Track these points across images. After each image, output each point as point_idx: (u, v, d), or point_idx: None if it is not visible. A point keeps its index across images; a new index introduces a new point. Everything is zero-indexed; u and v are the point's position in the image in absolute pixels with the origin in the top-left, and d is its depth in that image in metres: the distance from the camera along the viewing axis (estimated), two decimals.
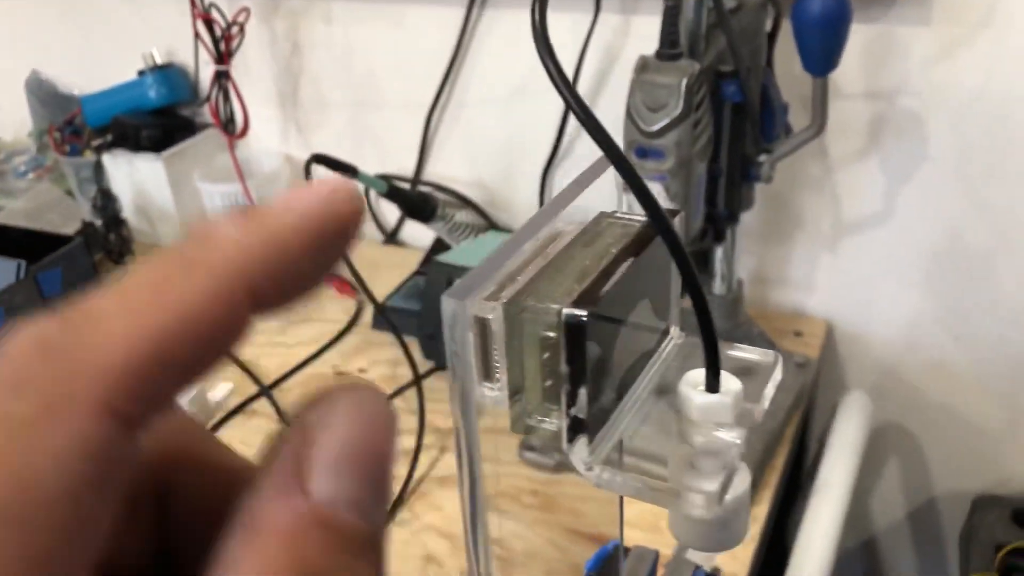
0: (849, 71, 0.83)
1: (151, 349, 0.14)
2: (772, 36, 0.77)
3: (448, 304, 0.26)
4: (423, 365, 0.88)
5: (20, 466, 0.13)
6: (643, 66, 0.70)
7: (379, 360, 0.93)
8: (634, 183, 0.26)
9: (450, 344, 0.26)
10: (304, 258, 0.16)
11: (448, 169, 1.06)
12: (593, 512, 0.82)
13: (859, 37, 0.81)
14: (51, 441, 0.13)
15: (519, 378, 0.28)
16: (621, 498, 0.41)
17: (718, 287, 0.85)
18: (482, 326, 0.27)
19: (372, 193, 1.11)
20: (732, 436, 0.27)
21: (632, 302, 0.29)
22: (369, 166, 1.01)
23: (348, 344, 0.96)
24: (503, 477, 0.82)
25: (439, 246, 1.04)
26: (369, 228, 1.14)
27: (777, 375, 0.31)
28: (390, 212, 1.12)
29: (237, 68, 1.01)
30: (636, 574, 0.45)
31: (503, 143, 1.03)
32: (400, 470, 0.79)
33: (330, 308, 1.02)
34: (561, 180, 1.01)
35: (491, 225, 1.04)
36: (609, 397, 0.28)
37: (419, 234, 1.09)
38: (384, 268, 1.06)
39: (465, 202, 1.05)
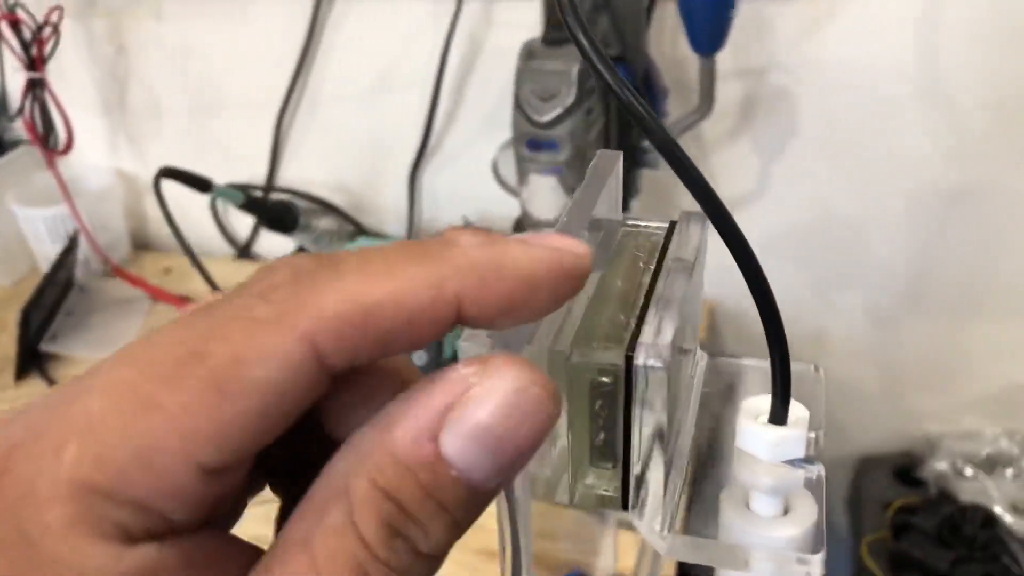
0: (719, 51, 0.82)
1: (360, 310, 0.17)
2: (647, 16, 0.75)
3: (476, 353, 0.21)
4: None
5: (242, 351, 0.16)
6: (530, 53, 0.66)
7: None
8: (689, 175, 0.21)
9: None
10: (519, 293, 0.18)
11: (305, 173, 0.99)
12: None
13: None
14: (267, 344, 0.16)
15: (559, 432, 0.23)
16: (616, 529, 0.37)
17: None
18: None
19: (219, 204, 1.02)
20: (810, 470, 0.24)
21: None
22: (214, 175, 0.92)
23: None
24: None
25: None
26: (219, 243, 1.04)
27: (821, 390, 0.27)
28: (241, 223, 1.03)
29: (52, 74, 0.89)
30: None
31: (365, 142, 0.96)
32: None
33: None
34: (431, 179, 0.96)
35: (359, 231, 0.98)
36: (672, 448, 0.23)
37: (277, 245, 1.01)
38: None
39: (328, 208, 0.98)
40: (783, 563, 0.23)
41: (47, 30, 0.86)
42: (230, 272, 1.01)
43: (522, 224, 0.75)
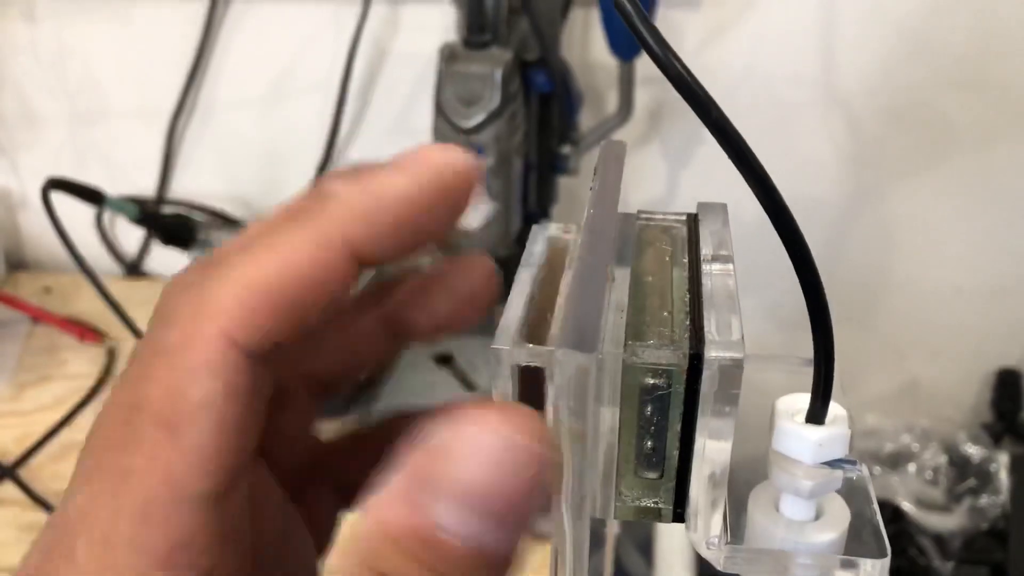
0: None
1: (260, 291, 0.17)
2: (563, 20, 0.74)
3: (570, 360, 0.18)
4: None
5: (171, 383, 0.17)
6: (451, 55, 0.64)
7: None
8: (758, 178, 0.20)
9: (571, 417, 0.19)
10: (407, 222, 0.18)
11: (200, 184, 0.93)
12: None
13: None
14: (190, 362, 0.17)
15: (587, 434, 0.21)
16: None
17: None
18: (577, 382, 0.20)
19: (106, 219, 0.95)
20: (852, 469, 0.23)
21: None
22: (99, 187, 0.86)
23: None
24: None
25: None
26: (104, 260, 0.97)
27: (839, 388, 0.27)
28: (129, 239, 0.97)
29: None
30: None
31: (264, 151, 0.92)
32: None
33: (73, 360, 0.86)
34: None
35: None
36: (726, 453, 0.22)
37: (170, 262, 0.95)
38: (132, 305, 0.90)
39: (226, 221, 0.92)
40: (827, 569, 0.22)
41: None
42: (119, 290, 0.93)
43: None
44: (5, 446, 0.75)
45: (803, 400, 0.23)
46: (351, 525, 0.17)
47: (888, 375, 0.97)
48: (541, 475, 0.16)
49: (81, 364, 0.85)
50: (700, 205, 0.25)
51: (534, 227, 0.27)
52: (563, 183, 0.87)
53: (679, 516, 0.21)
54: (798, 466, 0.23)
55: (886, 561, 0.21)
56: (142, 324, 0.86)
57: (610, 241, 0.21)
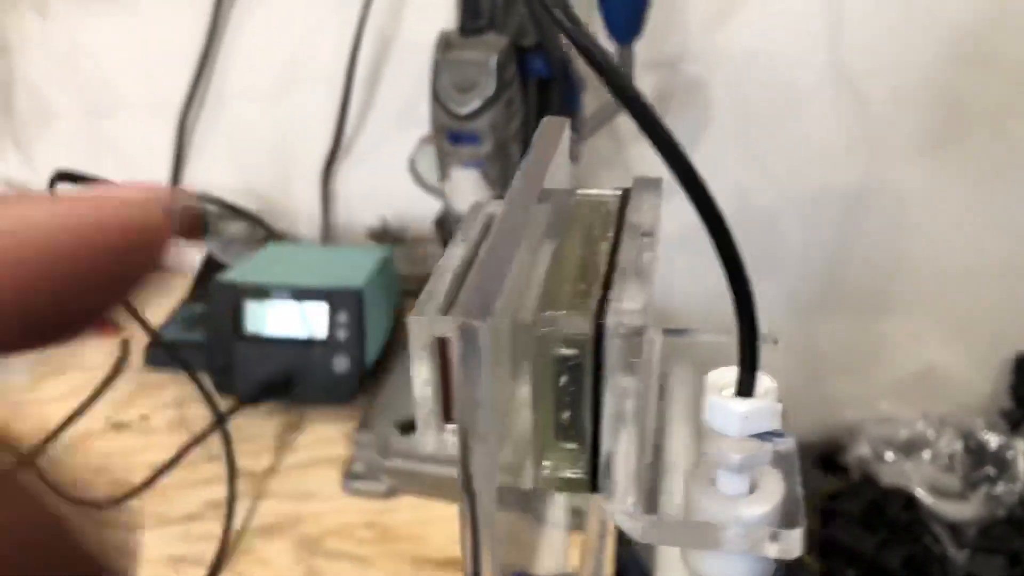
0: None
1: None
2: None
3: (437, 326, 0.19)
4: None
5: None
6: (447, 43, 0.64)
7: (162, 404, 0.81)
8: (671, 153, 0.20)
9: (420, 386, 0.19)
10: (38, 271, 0.13)
11: (211, 176, 0.94)
12: (437, 535, 0.75)
13: None
14: None
15: (505, 408, 0.21)
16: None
17: None
18: (444, 347, 0.20)
19: None
20: (781, 442, 0.23)
21: None
22: (112, 179, 0.87)
23: (120, 391, 0.82)
24: (329, 514, 0.72)
25: (211, 266, 0.92)
26: None
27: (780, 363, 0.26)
28: None
29: None
30: None
31: (274, 142, 0.92)
32: (211, 526, 0.68)
33: (87, 352, 0.87)
34: (345, 179, 0.93)
35: (269, 235, 0.94)
36: (641, 423, 0.22)
37: (184, 252, 0.96)
38: (148, 295, 0.92)
39: (236, 212, 0.93)
40: (758, 540, 0.22)
41: None
42: None
43: (445, 221, 0.73)
44: (24, 436, 0.77)
45: (734, 374, 0.23)
46: None
47: (903, 361, 0.96)
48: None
49: (96, 355, 0.87)
50: (636, 180, 0.25)
51: (474, 204, 0.27)
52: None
53: (596, 486, 0.21)
54: (725, 439, 0.22)
55: (799, 531, 0.20)
56: (158, 313, 0.88)
57: (524, 216, 0.20)
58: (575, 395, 0.20)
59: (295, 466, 0.74)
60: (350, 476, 0.73)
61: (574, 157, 0.74)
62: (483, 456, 0.18)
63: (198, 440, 0.73)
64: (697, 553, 0.24)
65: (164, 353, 0.81)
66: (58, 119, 0.94)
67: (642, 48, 0.83)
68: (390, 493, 0.72)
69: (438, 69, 0.64)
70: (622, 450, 0.20)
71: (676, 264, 0.94)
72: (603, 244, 0.22)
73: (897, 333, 0.95)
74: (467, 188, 0.66)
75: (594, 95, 0.78)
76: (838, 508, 0.88)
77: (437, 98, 0.64)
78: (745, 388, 0.22)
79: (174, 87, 0.90)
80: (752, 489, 0.23)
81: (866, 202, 0.88)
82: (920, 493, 0.87)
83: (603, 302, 0.19)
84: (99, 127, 0.94)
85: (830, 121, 0.84)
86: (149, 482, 0.71)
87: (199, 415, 0.77)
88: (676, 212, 0.97)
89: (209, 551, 0.66)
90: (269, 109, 0.91)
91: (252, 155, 0.94)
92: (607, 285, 0.20)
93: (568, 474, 0.21)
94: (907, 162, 0.85)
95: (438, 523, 0.70)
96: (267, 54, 0.88)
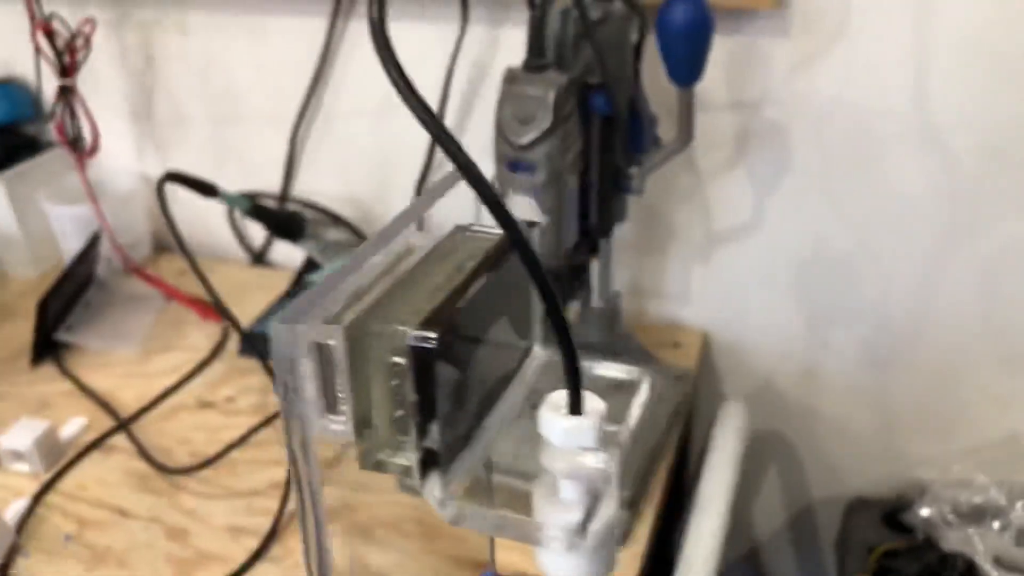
0: (714, 84, 0.84)
1: None
2: (639, 48, 0.77)
3: (280, 331, 0.23)
4: None
5: None
6: (511, 78, 0.68)
7: (248, 388, 0.89)
8: (484, 193, 0.24)
9: (281, 375, 0.23)
10: None
11: (318, 185, 1.03)
12: (478, 537, 0.79)
13: (722, 50, 0.82)
14: None
15: (367, 409, 0.25)
16: (492, 540, 0.39)
17: (596, 300, 0.85)
18: (323, 353, 0.24)
19: (237, 212, 1.06)
20: (597, 461, 0.26)
21: (490, 320, 0.26)
22: (233, 183, 0.96)
23: (214, 372, 0.91)
24: (383, 506, 0.77)
25: (311, 266, 1.00)
26: (235, 249, 1.09)
27: (643, 393, 0.29)
28: (257, 232, 1.08)
29: (85, 83, 0.95)
30: None
31: (375, 157, 1.00)
32: (271, 503, 0.75)
33: (194, 334, 0.97)
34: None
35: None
36: (465, 424, 0.25)
37: (289, 254, 1.05)
38: (251, 290, 1.01)
39: (336, 219, 1.01)
40: (540, 535, 0.25)
41: (79, 40, 0.92)
42: (243, 277, 1.05)
43: None
44: (125, 403, 0.87)
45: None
46: None
47: (984, 426, 0.92)
48: None
49: (200, 338, 0.96)
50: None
51: (415, 235, 0.31)
52: (638, 203, 0.89)
53: (422, 475, 0.25)
54: (554, 449, 0.26)
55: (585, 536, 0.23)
56: (258, 307, 0.96)
57: (376, 247, 0.25)
58: (402, 395, 0.24)
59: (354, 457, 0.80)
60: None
61: (636, 190, 0.77)
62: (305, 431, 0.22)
63: (266, 423, 0.80)
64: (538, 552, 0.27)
65: (254, 343, 0.89)
66: (191, 125, 1.05)
67: (723, 88, 0.85)
68: None
69: (502, 101, 0.68)
70: (437, 443, 0.24)
71: (751, 301, 0.95)
72: (460, 275, 0.26)
73: (980, 396, 0.92)
74: (522, 214, 0.70)
75: (664, 131, 0.81)
76: (894, 567, 0.86)
77: (499, 128, 0.69)
78: (572, 407, 0.25)
79: (291, 103, 0.99)
80: (587, 499, 0.26)
81: (947, 258, 0.86)
82: (983, 563, 0.83)
83: (427, 321, 0.23)
84: (225, 134, 1.04)
85: (913, 172, 0.83)
86: (219, 456, 0.79)
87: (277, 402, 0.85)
88: (750, 255, 0.99)
89: (265, 525, 0.73)
90: (373, 128, 0.98)
91: (355, 168, 1.01)
92: (439, 307, 0.24)
93: (401, 461, 0.25)
94: (993, 219, 0.83)
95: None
96: (374, 78, 0.95)
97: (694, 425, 1.00)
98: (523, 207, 0.71)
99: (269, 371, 0.82)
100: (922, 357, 0.91)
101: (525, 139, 0.68)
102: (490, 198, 0.23)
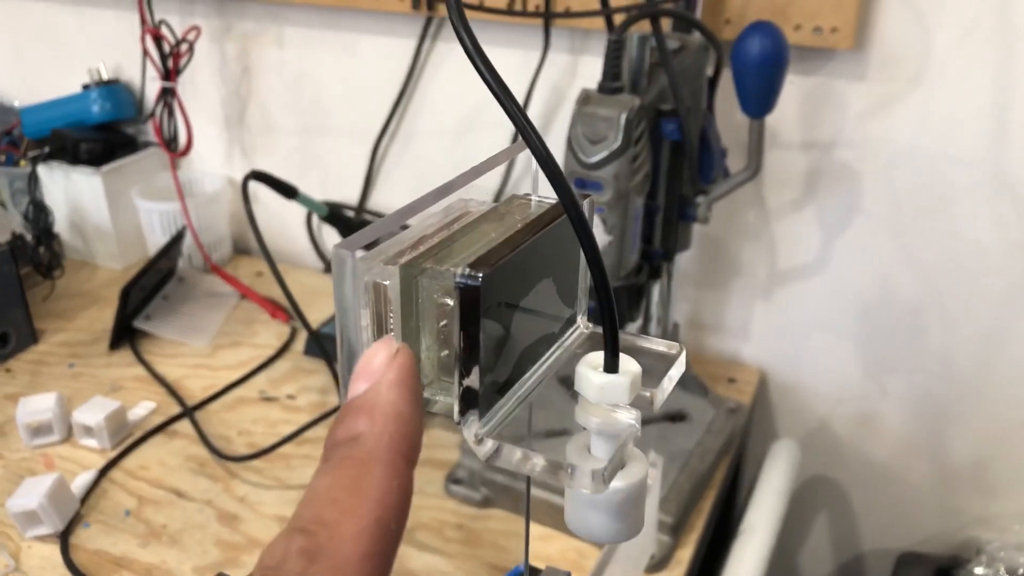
0: (787, 122, 0.85)
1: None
2: (713, 81, 0.78)
3: (339, 256, 0.25)
4: None
5: None
6: (585, 99, 0.71)
7: (309, 387, 0.91)
8: (544, 159, 0.25)
9: (341, 300, 0.25)
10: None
11: (394, 199, 1.06)
12: (518, 549, 0.80)
13: (797, 89, 0.83)
14: None
15: (417, 351, 0.27)
16: (527, 516, 0.40)
17: (654, 329, 0.86)
18: (378, 291, 0.26)
19: (315, 220, 1.10)
20: (628, 417, 0.27)
21: (535, 279, 0.28)
22: (314, 192, 1.00)
23: (278, 369, 0.94)
24: (427, 509, 0.79)
25: None
26: (310, 256, 1.13)
27: (680, 365, 0.30)
28: (332, 240, 1.11)
29: (185, 87, 1.01)
30: None
31: (449, 176, 1.02)
32: None
33: (262, 332, 1.00)
34: None
35: None
36: (505, 372, 0.27)
37: None
38: (321, 296, 1.05)
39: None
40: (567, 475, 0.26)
41: (184, 46, 0.98)
42: (314, 283, 1.09)
43: None
44: (192, 391, 0.90)
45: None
46: None
47: None
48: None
49: (268, 337, 1.00)
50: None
51: (472, 202, 0.33)
52: (703, 235, 0.90)
53: (462, 412, 0.26)
54: (588, 404, 0.27)
55: (596, 469, 0.25)
56: (326, 312, 0.99)
57: (439, 194, 0.27)
58: (449, 336, 0.26)
59: None
60: (452, 480, 0.79)
61: (702, 218, 0.78)
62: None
63: (318, 420, 0.83)
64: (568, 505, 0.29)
65: (318, 344, 0.92)
66: (279, 134, 1.10)
67: (795, 129, 0.86)
68: (485, 503, 0.78)
69: (575, 120, 0.71)
70: (477, 382, 0.26)
71: (811, 342, 0.94)
72: (510, 232, 0.28)
73: None
74: None
75: (734, 166, 0.82)
76: None
77: (570, 145, 0.71)
78: (608, 366, 0.27)
79: (374, 118, 1.03)
80: (617, 456, 0.28)
81: (1019, 309, 0.84)
82: None
83: (475, 262, 0.25)
84: (310, 144, 1.09)
85: (986, 221, 0.83)
86: (274, 447, 0.81)
87: (336, 402, 0.87)
88: (813, 296, 0.98)
89: None
90: (450, 147, 1.01)
91: (429, 185, 1.03)
92: (488, 252, 0.26)
93: (447, 401, 0.27)
94: None
95: (522, 538, 0.75)
96: (453, 101, 0.99)
97: (745, 464, 0.99)
98: None
99: (333, 372, 0.84)
100: (984, 411, 0.90)
101: (594, 158, 0.70)
102: (544, 157, 0.25)
